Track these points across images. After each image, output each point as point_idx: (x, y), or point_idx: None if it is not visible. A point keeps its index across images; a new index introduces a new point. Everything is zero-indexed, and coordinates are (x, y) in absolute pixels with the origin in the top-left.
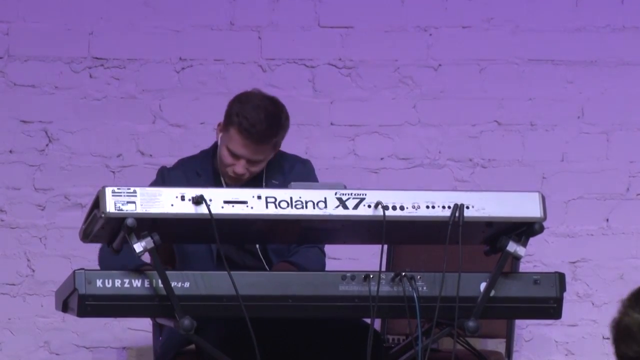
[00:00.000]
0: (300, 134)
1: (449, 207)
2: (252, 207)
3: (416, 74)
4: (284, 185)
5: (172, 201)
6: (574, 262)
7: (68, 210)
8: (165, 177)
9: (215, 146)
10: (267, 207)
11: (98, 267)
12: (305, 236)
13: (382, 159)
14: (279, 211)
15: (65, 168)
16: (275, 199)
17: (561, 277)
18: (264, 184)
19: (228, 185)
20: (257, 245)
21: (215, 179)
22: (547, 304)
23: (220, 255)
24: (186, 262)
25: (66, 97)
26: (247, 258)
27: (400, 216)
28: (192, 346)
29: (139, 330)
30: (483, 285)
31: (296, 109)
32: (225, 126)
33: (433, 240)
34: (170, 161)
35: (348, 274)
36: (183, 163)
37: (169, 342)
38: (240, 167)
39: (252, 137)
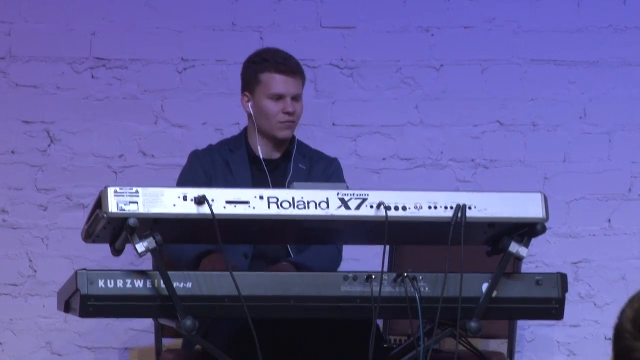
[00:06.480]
0: (302, 134)
1: (452, 208)
2: (254, 208)
3: (418, 75)
4: (309, 172)
5: (174, 201)
6: (576, 263)
7: (70, 210)
8: (201, 158)
9: (246, 128)
10: (269, 207)
11: (101, 268)
12: (308, 237)
13: (384, 159)
14: (281, 212)
15: (68, 169)
16: (278, 200)
17: (563, 277)
18: (292, 163)
19: (265, 160)
20: None
21: (249, 154)
22: (549, 305)
23: (254, 251)
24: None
25: (68, 98)
26: (279, 251)
27: (402, 217)
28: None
29: (141, 330)
30: (485, 286)
31: None
32: (254, 83)
33: (435, 240)
34: (172, 162)
35: (350, 275)
36: (215, 146)
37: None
38: (289, 106)
39: (289, 69)
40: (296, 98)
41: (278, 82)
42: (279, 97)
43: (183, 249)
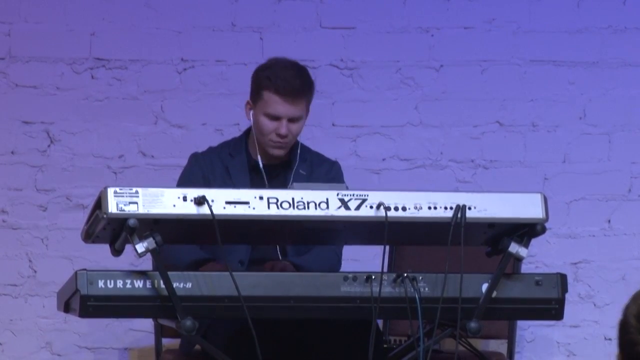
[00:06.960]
0: (302, 134)
1: (451, 208)
2: (254, 208)
3: (418, 75)
4: (309, 175)
5: (174, 202)
6: (575, 263)
7: (70, 211)
8: (201, 161)
9: (247, 131)
10: (269, 207)
11: (100, 269)
12: (307, 237)
13: (383, 159)
14: (281, 212)
15: (67, 169)
16: (277, 200)
17: (563, 278)
18: (293, 171)
19: (265, 166)
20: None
21: (248, 160)
22: (548, 305)
23: (250, 257)
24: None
25: (68, 98)
26: (275, 257)
27: (402, 217)
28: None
29: (140, 331)
30: (485, 286)
31: None
32: (256, 96)
33: (435, 241)
34: (171, 162)
35: (350, 275)
36: (215, 148)
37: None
38: (283, 128)
39: (289, 93)
40: (294, 119)
41: (276, 104)
42: (275, 118)
43: (179, 254)
